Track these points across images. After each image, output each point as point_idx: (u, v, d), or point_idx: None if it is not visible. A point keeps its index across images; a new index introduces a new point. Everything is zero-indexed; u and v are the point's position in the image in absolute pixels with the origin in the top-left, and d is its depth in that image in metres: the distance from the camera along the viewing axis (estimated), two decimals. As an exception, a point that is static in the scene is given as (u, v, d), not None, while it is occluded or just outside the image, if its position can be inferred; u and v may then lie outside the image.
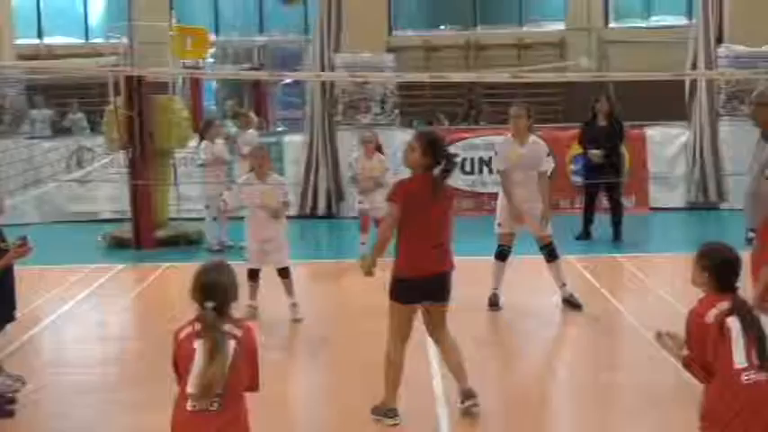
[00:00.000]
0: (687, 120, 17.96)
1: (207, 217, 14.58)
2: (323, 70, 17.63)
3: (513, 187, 10.43)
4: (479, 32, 27.92)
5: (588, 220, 14.92)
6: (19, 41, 26.95)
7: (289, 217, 17.23)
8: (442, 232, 7.09)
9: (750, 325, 4.98)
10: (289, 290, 10.36)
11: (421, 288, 7.05)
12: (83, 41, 28.01)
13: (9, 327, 8.03)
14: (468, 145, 17.88)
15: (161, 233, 15.03)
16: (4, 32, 25.93)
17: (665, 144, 18.04)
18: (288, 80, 26.31)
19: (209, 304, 4.81)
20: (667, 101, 17.93)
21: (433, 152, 6.93)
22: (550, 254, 10.52)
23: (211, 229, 14.46)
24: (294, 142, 18.36)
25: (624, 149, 15.82)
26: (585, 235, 14.82)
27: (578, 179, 16.61)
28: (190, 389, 4.77)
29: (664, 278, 12.24)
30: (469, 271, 11.17)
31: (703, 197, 17.73)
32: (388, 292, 7.08)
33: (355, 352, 9.09)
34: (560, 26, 27.83)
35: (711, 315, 5.01)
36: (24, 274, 8.16)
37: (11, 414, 7.49)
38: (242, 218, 15.08)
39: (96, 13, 29.18)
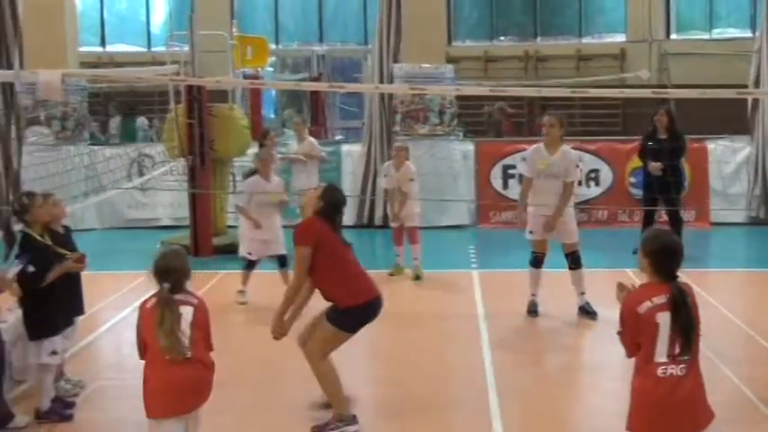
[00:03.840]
0: (750, 134, 17.72)
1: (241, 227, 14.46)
2: (382, 80, 17.64)
3: (536, 195, 10.68)
4: (539, 44, 27.84)
5: (647, 234, 14.74)
6: (82, 49, 27.36)
7: (346, 226, 17.49)
8: None
9: (680, 319, 5.12)
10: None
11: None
12: (144, 50, 28.34)
13: (73, 330, 8.15)
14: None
15: (218, 241, 15.11)
16: (69, 40, 26.36)
17: (726, 158, 17.78)
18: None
19: (165, 285, 5.82)
20: (730, 114, 17.72)
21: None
22: (574, 262, 10.80)
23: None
24: (352, 152, 18.39)
25: (685, 163, 15.65)
26: (644, 249, 14.63)
27: (638, 192, 16.45)
28: (162, 343, 5.75)
29: (723, 294, 12.07)
30: (525, 282, 11.22)
31: (765, 213, 17.46)
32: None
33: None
34: (621, 38, 27.65)
35: (644, 307, 5.17)
36: (84, 280, 8.24)
37: (70, 418, 7.58)
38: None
39: (158, 22, 29.49)
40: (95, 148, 18.32)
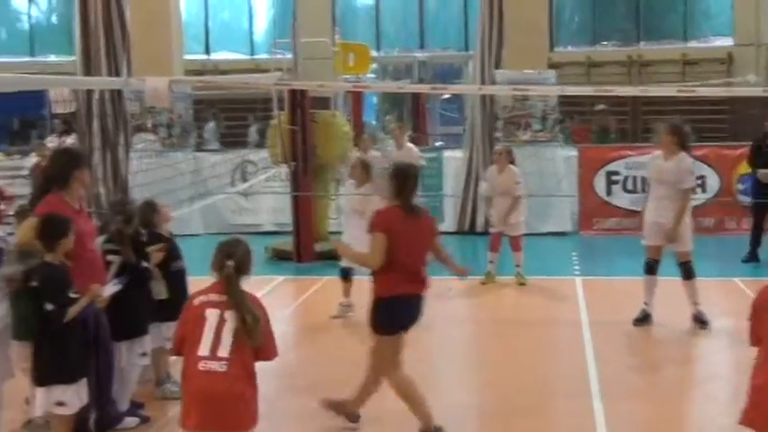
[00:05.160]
0: None
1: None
2: (483, 86, 17.56)
3: (655, 202, 10.52)
4: (642, 48, 27.43)
5: (756, 241, 14.43)
6: (187, 57, 27.83)
7: (447, 233, 17.47)
8: None
9: None
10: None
11: None
12: (248, 57, 28.69)
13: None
14: (631, 163, 17.53)
15: (321, 246, 15.17)
16: (175, 48, 26.86)
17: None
18: (447, 95, 26.35)
19: (230, 262, 5.51)
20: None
21: None
22: (687, 272, 10.56)
23: None
24: (453, 158, 18.35)
25: (796, 169, 15.26)
26: (753, 257, 14.33)
27: (746, 199, 16.09)
28: (201, 351, 5.40)
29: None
30: (630, 289, 11.06)
31: None
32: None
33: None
34: (728, 41, 27.09)
35: None
36: (192, 283, 8.35)
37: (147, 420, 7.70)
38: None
39: (261, 30, 29.84)
40: (200, 154, 18.58)
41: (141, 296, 7.64)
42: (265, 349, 5.56)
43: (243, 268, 5.60)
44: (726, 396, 8.47)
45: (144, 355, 7.72)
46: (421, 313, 7.14)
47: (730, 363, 9.66)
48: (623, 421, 7.72)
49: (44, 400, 6.60)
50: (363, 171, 11.34)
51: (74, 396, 6.61)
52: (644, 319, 10.59)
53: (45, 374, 6.59)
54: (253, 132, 23.83)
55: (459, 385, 8.97)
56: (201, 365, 5.39)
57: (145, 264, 7.64)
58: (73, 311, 6.51)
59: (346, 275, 11.26)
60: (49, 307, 6.43)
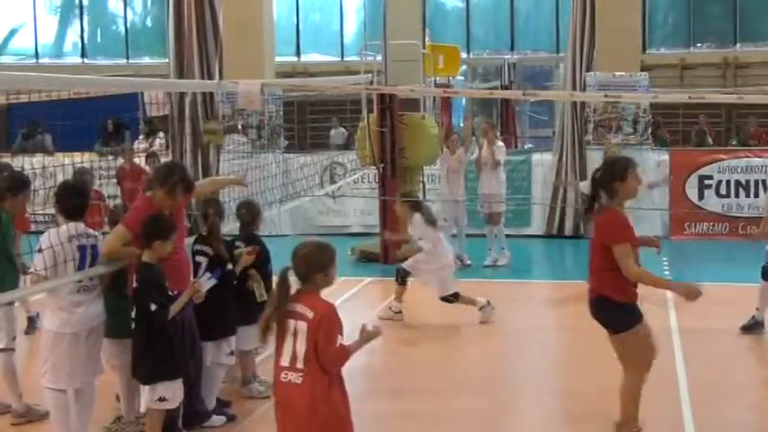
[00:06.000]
0: None
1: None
2: (574, 88, 17.40)
3: None
4: (738, 50, 26.90)
5: None
6: (278, 59, 28.08)
7: (534, 236, 17.35)
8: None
9: None
10: None
11: None
12: (338, 59, 28.82)
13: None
14: (724, 167, 17.21)
15: (408, 248, 15.14)
16: (266, 51, 27.11)
17: None
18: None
19: (288, 266, 5.37)
20: None
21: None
22: None
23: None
24: (542, 161, 18.17)
25: None
26: None
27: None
28: (283, 362, 5.34)
29: None
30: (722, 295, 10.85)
31: None
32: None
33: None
34: (830, 42, 26.45)
35: None
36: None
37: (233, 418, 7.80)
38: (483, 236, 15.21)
39: (351, 32, 29.95)
40: (289, 155, 18.73)
41: (227, 297, 7.72)
42: (324, 360, 5.29)
43: (297, 273, 5.39)
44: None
45: (231, 354, 7.82)
46: (595, 317, 7.25)
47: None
48: (713, 428, 7.59)
49: (149, 397, 6.78)
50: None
51: (175, 392, 6.81)
52: (752, 327, 10.27)
53: (152, 373, 6.76)
54: (335, 135, 23.92)
55: (548, 390, 8.91)
56: (282, 376, 5.36)
57: (230, 266, 7.74)
58: (174, 309, 6.66)
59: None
60: (153, 308, 6.59)
